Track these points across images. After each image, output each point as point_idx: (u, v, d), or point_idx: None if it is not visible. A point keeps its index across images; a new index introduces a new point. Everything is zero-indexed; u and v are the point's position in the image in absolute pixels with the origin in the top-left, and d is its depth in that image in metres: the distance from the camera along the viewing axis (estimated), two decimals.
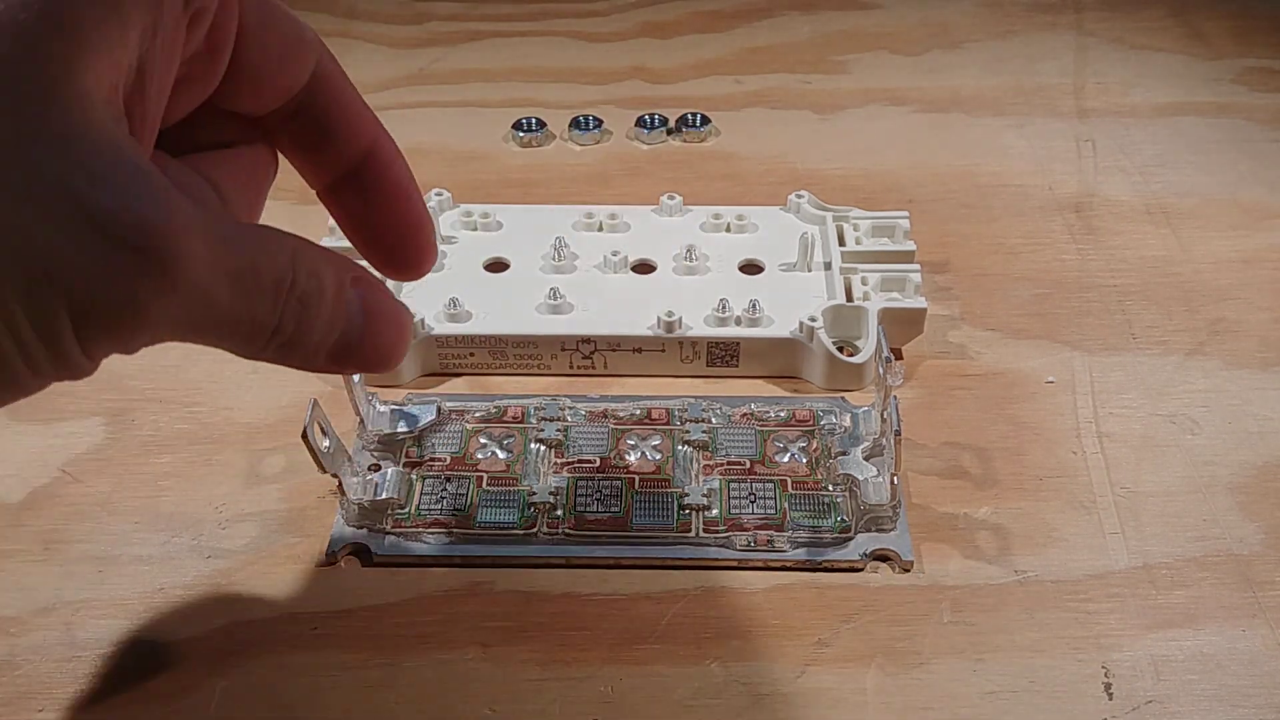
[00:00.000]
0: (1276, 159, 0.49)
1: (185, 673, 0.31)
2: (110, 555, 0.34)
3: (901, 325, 0.39)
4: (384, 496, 0.33)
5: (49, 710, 0.30)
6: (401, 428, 0.36)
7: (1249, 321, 0.41)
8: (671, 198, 0.43)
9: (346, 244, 0.42)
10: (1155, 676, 0.30)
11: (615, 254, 0.41)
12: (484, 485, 0.35)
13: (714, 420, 0.37)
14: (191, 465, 0.36)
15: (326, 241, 0.41)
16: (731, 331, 0.38)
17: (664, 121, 0.51)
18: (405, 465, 0.35)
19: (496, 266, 0.41)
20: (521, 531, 0.33)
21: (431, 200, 0.43)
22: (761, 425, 0.36)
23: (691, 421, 0.36)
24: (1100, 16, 0.59)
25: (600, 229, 0.43)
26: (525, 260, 0.41)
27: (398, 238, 0.26)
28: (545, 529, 0.33)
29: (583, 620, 0.32)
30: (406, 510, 0.34)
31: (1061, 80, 0.55)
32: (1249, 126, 0.51)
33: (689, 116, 0.51)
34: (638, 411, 0.37)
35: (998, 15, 0.60)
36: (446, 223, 0.43)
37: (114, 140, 0.18)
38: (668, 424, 0.36)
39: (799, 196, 0.43)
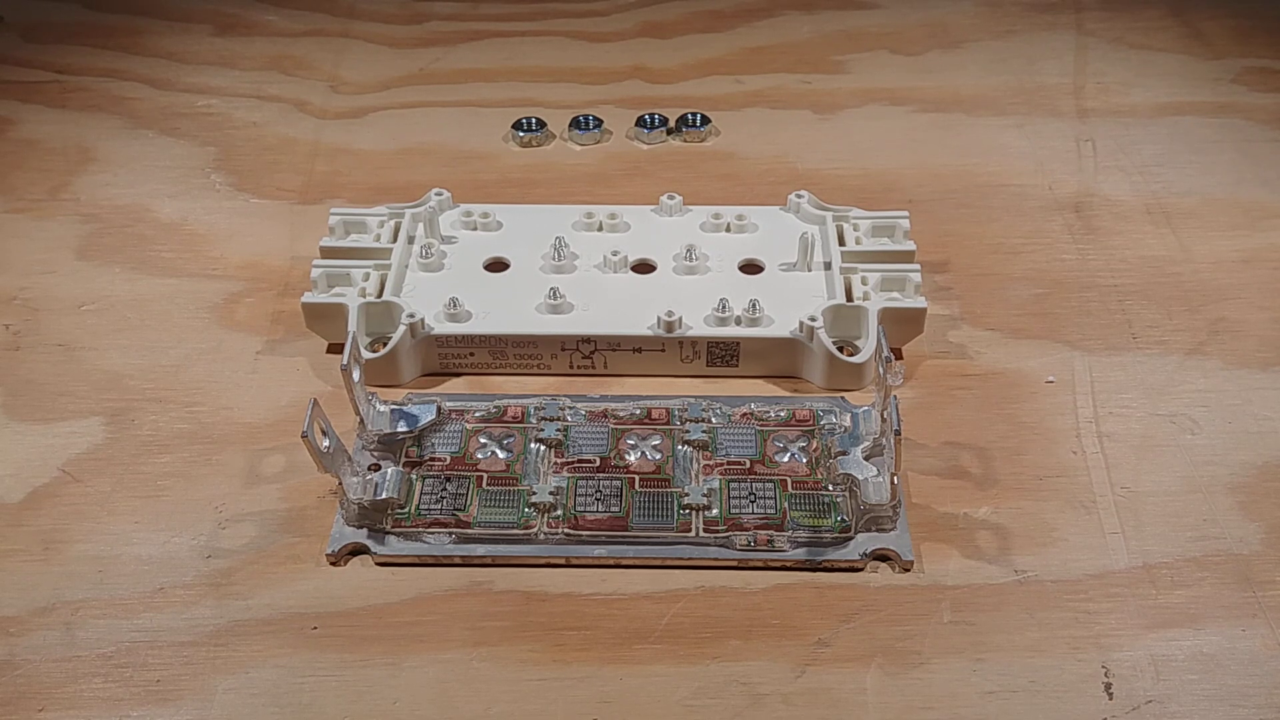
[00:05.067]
0: (1276, 159, 0.49)
1: (185, 673, 0.31)
2: (110, 555, 0.34)
3: (901, 325, 0.39)
4: (384, 496, 0.33)
5: (49, 710, 0.30)
6: (401, 428, 0.36)
7: (1249, 321, 0.41)
8: (671, 198, 0.43)
9: (346, 244, 0.43)
10: (1155, 676, 0.30)
11: (615, 254, 0.41)
12: (484, 485, 0.35)
13: (714, 420, 0.37)
14: (191, 465, 0.36)
15: (326, 241, 0.41)
16: (731, 331, 0.38)
17: (664, 121, 0.51)
18: (405, 465, 0.35)
19: (496, 266, 0.41)
20: (521, 531, 0.33)
21: (431, 200, 0.43)
22: (761, 425, 0.36)
23: (691, 421, 0.36)
24: (1100, 16, 0.59)
25: (600, 229, 0.43)
26: (525, 260, 0.41)
27: None
28: (545, 529, 0.33)
29: (583, 620, 0.32)
30: (406, 510, 0.34)
31: (1061, 80, 0.55)
32: (1249, 126, 0.51)
33: (689, 116, 0.51)
34: (638, 411, 0.37)
35: (998, 15, 0.60)
36: (446, 223, 0.43)
37: None
38: (668, 424, 0.36)
39: (799, 196, 0.43)
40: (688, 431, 0.36)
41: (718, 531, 0.33)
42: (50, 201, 0.48)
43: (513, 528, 0.33)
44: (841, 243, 0.42)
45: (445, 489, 0.34)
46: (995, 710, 0.30)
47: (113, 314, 0.42)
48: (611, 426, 0.36)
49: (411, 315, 0.38)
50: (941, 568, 0.33)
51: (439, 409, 0.36)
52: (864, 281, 0.40)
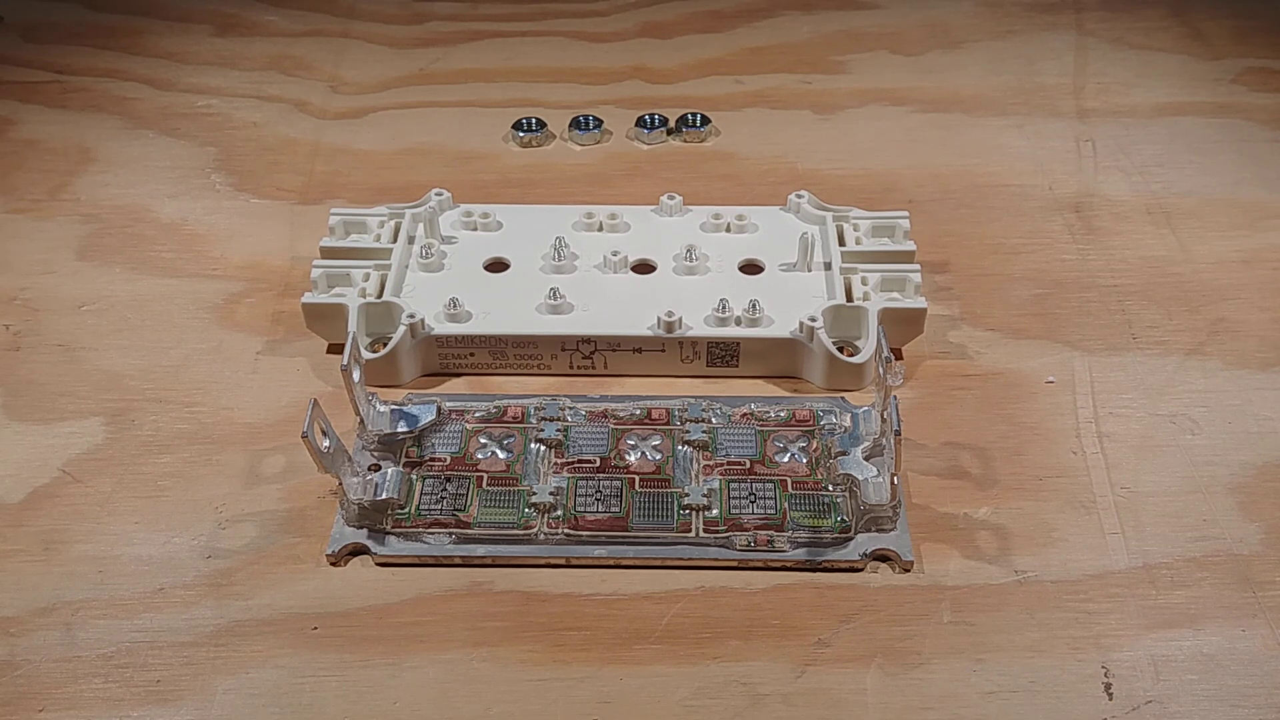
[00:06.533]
0: (1276, 159, 0.49)
1: (185, 673, 0.31)
2: (110, 555, 0.34)
3: (901, 325, 0.39)
4: (384, 496, 0.33)
5: (49, 710, 0.30)
6: (401, 428, 0.36)
7: (1249, 321, 0.41)
8: (671, 198, 0.43)
9: (346, 244, 0.43)
10: (1155, 676, 0.30)
11: (615, 254, 0.41)
12: (484, 485, 0.35)
13: (714, 420, 0.37)
14: (191, 465, 0.36)
15: (326, 242, 0.41)
16: (731, 331, 0.38)
17: (664, 121, 0.51)
18: (405, 465, 0.35)
19: (496, 266, 0.41)
20: (521, 532, 0.33)
21: (431, 200, 0.43)
22: (761, 425, 0.36)
23: (691, 421, 0.36)
24: (1100, 16, 0.59)
25: (600, 229, 0.43)
26: (525, 260, 0.41)
27: None
28: (545, 529, 0.33)
29: (583, 620, 0.32)
30: (406, 510, 0.34)
31: (1061, 80, 0.55)
32: (1249, 126, 0.51)
33: (689, 116, 0.51)
34: (638, 411, 0.37)
35: (998, 15, 0.60)
36: (446, 223, 0.43)
37: None
38: (668, 424, 0.36)
39: (799, 196, 0.43)
40: (688, 432, 0.36)
41: (718, 532, 0.33)
42: (50, 202, 0.48)
43: (513, 528, 0.33)
44: (841, 243, 0.42)
45: (445, 489, 0.34)
46: (995, 710, 0.30)
47: (113, 314, 0.42)
48: (611, 427, 0.36)
49: (411, 315, 0.38)
50: (941, 568, 0.33)
51: (439, 409, 0.36)
52: (864, 282, 0.40)
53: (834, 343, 0.38)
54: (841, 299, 0.39)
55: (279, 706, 0.30)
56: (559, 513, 0.34)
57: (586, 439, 0.36)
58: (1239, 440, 0.37)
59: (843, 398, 0.38)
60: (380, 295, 0.39)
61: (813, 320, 0.38)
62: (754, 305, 0.38)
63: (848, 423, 0.36)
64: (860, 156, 0.50)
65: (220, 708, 0.30)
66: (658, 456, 0.35)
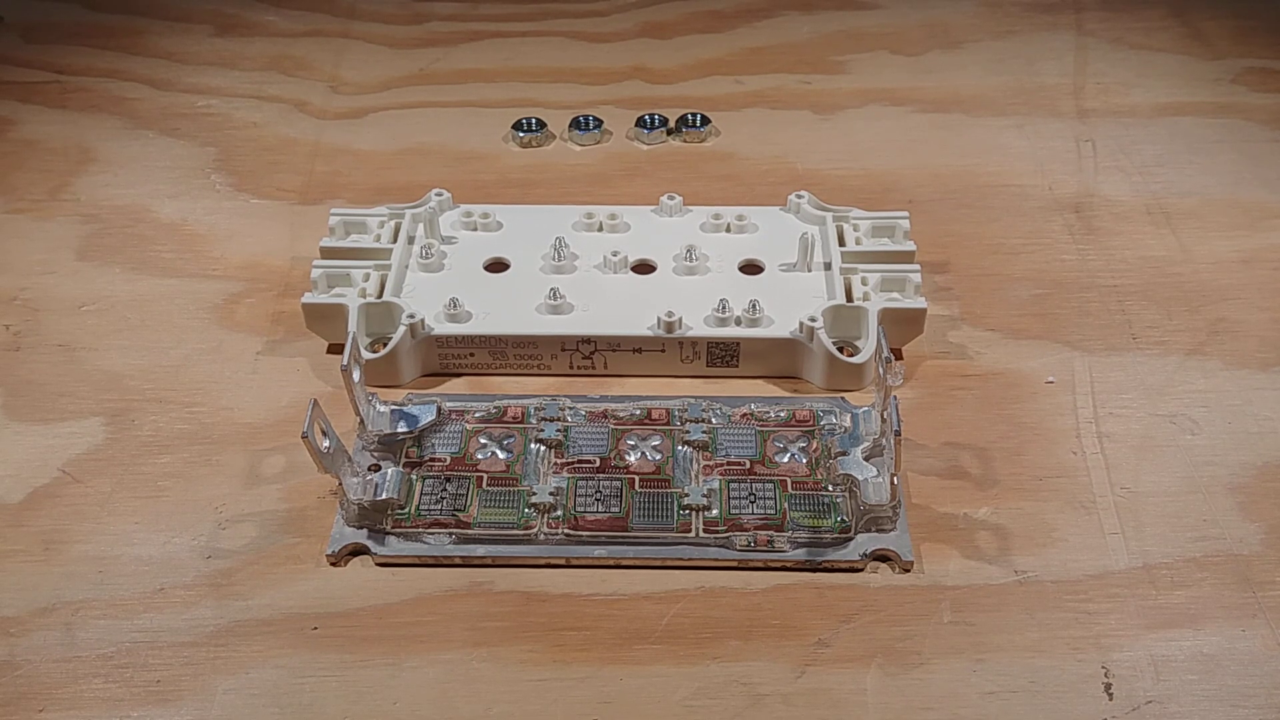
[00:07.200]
0: (1276, 159, 0.49)
1: (185, 673, 0.31)
2: (110, 555, 0.34)
3: (901, 325, 0.39)
4: (384, 497, 0.33)
5: (49, 710, 0.30)
6: (401, 428, 0.36)
7: (1249, 321, 0.41)
8: (671, 198, 0.43)
9: (346, 244, 0.43)
10: (1155, 676, 0.30)
11: (615, 254, 0.41)
12: (484, 485, 0.35)
13: (714, 420, 0.37)
14: (191, 465, 0.36)
15: (326, 242, 0.41)
16: (731, 331, 0.38)
17: (664, 121, 0.51)
18: (405, 465, 0.35)
19: (496, 266, 0.41)
20: (521, 532, 0.33)
21: (431, 200, 0.43)
22: (761, 425, 0.36)
23: (691, 421, 0.36)
24: (1100, 16, 0.59)
25: (600, 229, 0.43)
26: (525, 260, 0.41)
27: None
28: (545, 529, 0.33)
29: (583, 620, 0.32)
30: (406, 510, 0.34)
31: (1061, 80, 0.55)
32: (1249, 126, 0.51)
33: (689, 116, 0.51)
34: (638, 411, 0.37)
35: (998, 15, 0.60)
36: (446, 223, 0.43)
37: None
38: (668, 424, 0.36)
39: (799, 196, 0.43)
40: (688, 432, 0.36)
41: (718, 532, 0.33)
42: (50, 202, 0.48)
43: (513, 528, 0.33)
44: (841, 243, 0.42)
45: (445, 489, 0.34)
46: (995, 710, 0.30)
47: (113, 314, 0.42)
48: (611, 427, 0.36)
49: (411, 316, 0.38)
50: (941, 568, 0.33)
51: (439, 409, 0.36)
52: (864, 282, 0.40)
53: (834, 343, 0.38)
54: (841, 299, 0.39)
55: (279, 706, 0.30)
56: (559, 513, 0.34)
57: (586, 439, 0.36)
58: (1239, 440, 0.37)
59: (843, 398, 0.38)
60: (380, 295, 0.39)
61: (813, 320, 0.38)
62: (754, 305, 0.38)
63: (848, 423, 0.36)
64: (860, 156, 0.50)
65: (220, 708, 0.30)
66: (658, 457, 0.35)
